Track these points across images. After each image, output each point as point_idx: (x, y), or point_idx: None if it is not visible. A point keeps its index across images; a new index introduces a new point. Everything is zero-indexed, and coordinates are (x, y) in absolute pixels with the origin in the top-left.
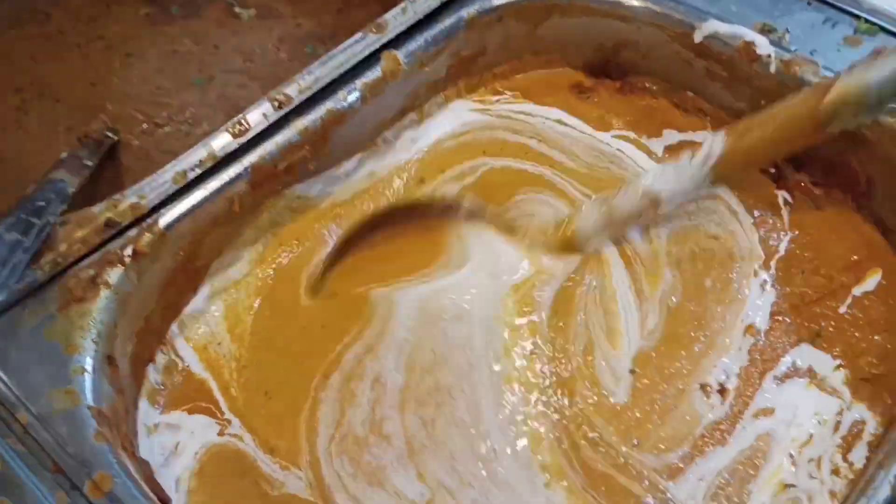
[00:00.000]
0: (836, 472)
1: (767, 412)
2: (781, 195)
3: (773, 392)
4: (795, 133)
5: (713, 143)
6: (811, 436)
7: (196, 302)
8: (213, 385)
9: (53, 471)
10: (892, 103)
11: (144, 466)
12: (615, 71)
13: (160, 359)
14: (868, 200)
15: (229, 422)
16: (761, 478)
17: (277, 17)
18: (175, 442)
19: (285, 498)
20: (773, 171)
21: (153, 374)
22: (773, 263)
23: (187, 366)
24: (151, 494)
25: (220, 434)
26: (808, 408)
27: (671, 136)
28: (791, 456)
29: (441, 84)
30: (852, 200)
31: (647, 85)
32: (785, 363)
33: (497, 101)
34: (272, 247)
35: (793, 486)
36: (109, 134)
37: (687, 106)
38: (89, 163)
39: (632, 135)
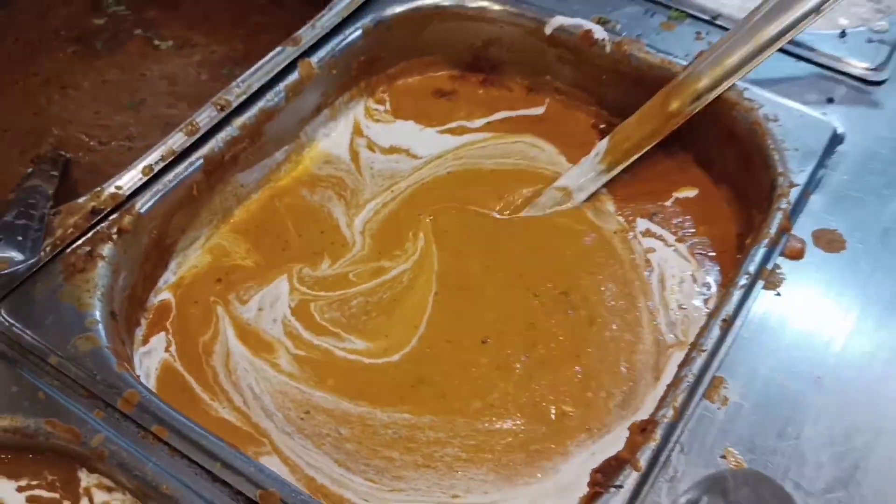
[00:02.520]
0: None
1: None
2: None
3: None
4: (653, 130)
5: (601, 145)
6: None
7: (167, 274)
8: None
9: (86, 396)
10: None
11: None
12: (487, 65)
13: (143, 323)
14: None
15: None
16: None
17: (193, 46)
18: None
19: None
20: None
21: (139, 333)
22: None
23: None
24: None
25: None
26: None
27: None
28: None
29: (347, 85)
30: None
31: (508, 75)
32: (640, 225)
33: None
34: (222, 228)
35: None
36: (62, 153)
37: (543, 89)
38: (54, 173)
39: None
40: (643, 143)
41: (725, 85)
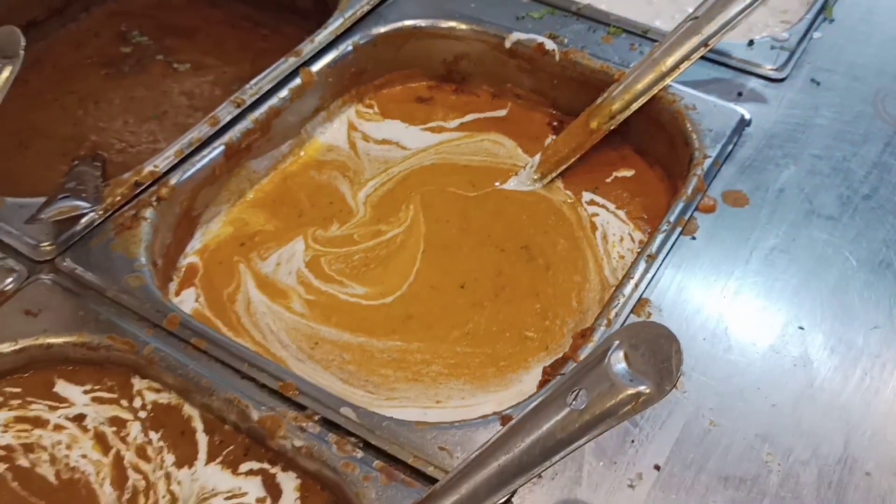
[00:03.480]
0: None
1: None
2: None
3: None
4: (578, 144)
5: (535, 159)
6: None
7: (194, 242)
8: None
9: (138, 319)
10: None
11: None
12: (458, 76)
13: (175, 279)
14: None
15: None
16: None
17: (208, 68)
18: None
19: None
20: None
21: (171, 287)
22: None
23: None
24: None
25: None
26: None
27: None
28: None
29: (340, 91)
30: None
31: (476, 84)
32: (586, 196)
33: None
34: (238, 205)
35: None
36: (100, 153)
37: (505, 94)
38: (97, 163)
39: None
40: (570, 156)
41: (635, 106)
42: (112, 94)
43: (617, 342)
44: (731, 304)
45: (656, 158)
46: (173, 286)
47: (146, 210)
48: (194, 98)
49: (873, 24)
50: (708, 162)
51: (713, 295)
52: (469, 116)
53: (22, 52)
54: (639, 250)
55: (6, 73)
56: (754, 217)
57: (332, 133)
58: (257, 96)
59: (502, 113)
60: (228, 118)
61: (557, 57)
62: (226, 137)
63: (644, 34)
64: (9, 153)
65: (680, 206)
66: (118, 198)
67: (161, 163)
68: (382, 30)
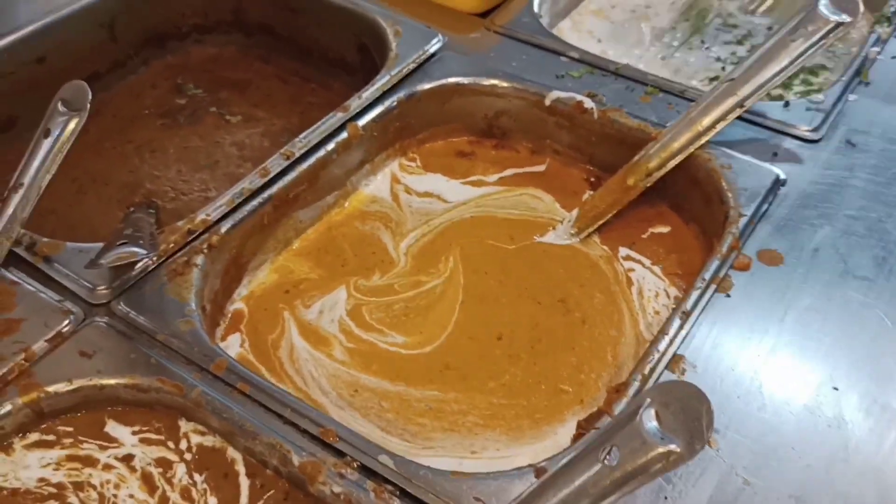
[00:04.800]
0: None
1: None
2: None
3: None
4: (615, 200)
5: (572, 214)
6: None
7: (241, 288)
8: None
9: (186, 363)
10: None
11: None
12: (498, 131)
13: (222, 324)
14: (666, 192)
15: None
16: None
17: (258, 120)
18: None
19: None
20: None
21: (218, 333)
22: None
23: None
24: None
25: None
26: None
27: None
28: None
29: (385, 145)
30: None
31: (516, 139)
32: (622, 251)
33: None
34: (284, 254)
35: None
36: (154, 200)
37: (544, 150)
38: (152, 210)
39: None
40: (607, 211)
41: (671, 164)
42: (167, 144)
43: (648, 400)
44: (765, 363)
45: (692, 216)
46: (220, 331)
47: (197, 257)
48: (244, 149)
49: None
50: (743, 221)
51: (747, 353)
52: (508, 171)
53: (88, 106)
54: (674, 306)
55: (72, 125)
56: (789, 276)
57: (376, 185)
58: (306, 149)
59: (541, 168)
60: (278, 170)
61: (596, 115)
62: (275, 188)
63: (681, 94)
64: (68, 199)
65: (715, 263)
66: (171, 244)
67: (213, 212)
68: (427, 86)
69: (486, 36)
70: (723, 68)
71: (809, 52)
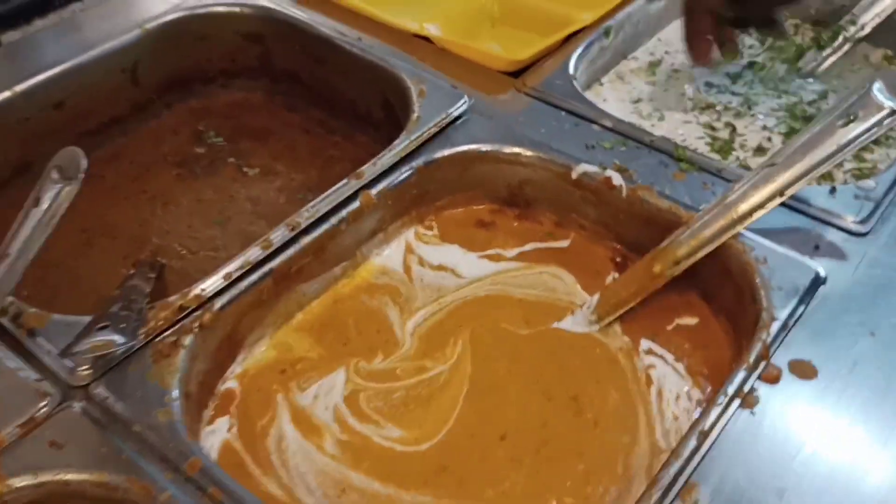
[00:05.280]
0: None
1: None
2: None
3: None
4: (639, 288)
5: (593, 299)
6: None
7: (235, 366)
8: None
9: (160, 460)
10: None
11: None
12: (521, 201)
13: (210, 405)
14: (697, 279)
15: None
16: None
17: (276, 174)
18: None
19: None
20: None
21: (206, 414)
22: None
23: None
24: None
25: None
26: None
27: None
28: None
29: (400, 213)
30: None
31: (540, 210)
32: (644, 344)
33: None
34: (284, 329)
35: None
36: (159, 259)
37: (569, 224)
38: (152, 275)
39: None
40: (629, 300)
41: (701, 253)
42: (181, 196)
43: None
44: (792, 496)
45: (722, 307)
46: (208, 412)
47: (186, 337)
48: (259, 204)
49: None
50: (775, 325)
51: (770, 484)
52: (529, 245)
53: (81, 176)
54: (695, 413)
55: (63, 195)
56: (822, 392)
57: (388, 255)
58: (313, 219)
59: (564, 244)
60: (281, 242)
61: (624, 193)
62: (276, 261)
63: (718, 173)
64: (75, 251)
65: (741, 375)
66: (161, 322)
67: (208, 286)
68: (447, 153)
69: (515, 98)
70: (769, 139)
71: (859, 140)
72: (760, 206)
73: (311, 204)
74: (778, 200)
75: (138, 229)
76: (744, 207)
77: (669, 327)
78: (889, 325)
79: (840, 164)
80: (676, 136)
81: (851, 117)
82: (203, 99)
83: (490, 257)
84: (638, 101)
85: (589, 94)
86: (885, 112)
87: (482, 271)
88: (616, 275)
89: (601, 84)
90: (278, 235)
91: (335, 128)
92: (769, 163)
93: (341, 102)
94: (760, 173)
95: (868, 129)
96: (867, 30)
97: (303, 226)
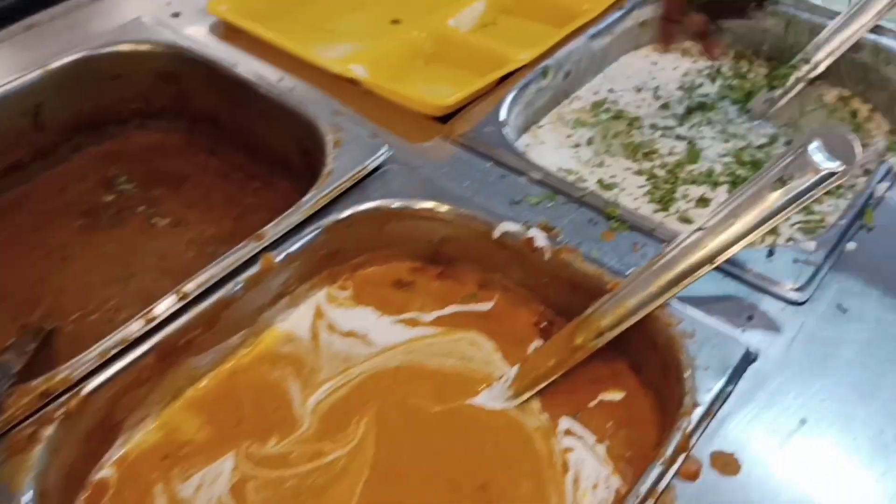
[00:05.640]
0: None
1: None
2: None
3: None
4: (559, 361)
5: (511, 371)
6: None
7: (112, 451)
8: None
9: None
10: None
11: None
12: (444, 258)
13: (81, 497)
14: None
15: None
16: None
17: (188, 224)
18: None
19: None
20: None
21: None
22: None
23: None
24: None
25: None
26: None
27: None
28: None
29: (309, 274)
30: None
31: (463, 270)
32: (563, 423)
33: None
34: (171, 407)
35: None
36: (44, 326)
37: (493, 284)
38: (30, 347)
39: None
40: (549, 374)
41: (626, 324)
42: (81, 251)
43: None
44: None
45: (651, 381)
46: None
47: (46, 429)
48: (166, 259)
49: None
50: (697, 412)
51: None
52: (449, 309)
53: None
54: (613, 498)
55: None
56: (745, 489)
57: (295, 320)
58: (205, 287)
59: (487, 307)
60: (167, 313)
61: (547, 255)
62: (161, 335)
63: (650, 232)
64: None
65: (656, 471)
66: (18, 411)
67: (79, 367)
68: (359, 209)
69: (441, 146)
70: (714, 186)
71: (794, 206)
72: (687, 274)
73: (205, 269)
74: (708, 268)
75: (31, 290)
76: (671, 276)
77: (593, 403)
78: (822, 410)
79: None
80: (616, 185)
81: (786, 179)
82: (116, 141)
83: (406, 322)
84: (578, 145)
85: (527, 137)
86: (821, 174)
87: (396, 338)
88: (540, 342)
89: (540, 126)
90: (164, 306)
91: (255, 173)
92: (700, 226)
93: (260, 147)
94: (690, 238)
95: (802, 194)
96: (820, 69)
97: (192, 295)
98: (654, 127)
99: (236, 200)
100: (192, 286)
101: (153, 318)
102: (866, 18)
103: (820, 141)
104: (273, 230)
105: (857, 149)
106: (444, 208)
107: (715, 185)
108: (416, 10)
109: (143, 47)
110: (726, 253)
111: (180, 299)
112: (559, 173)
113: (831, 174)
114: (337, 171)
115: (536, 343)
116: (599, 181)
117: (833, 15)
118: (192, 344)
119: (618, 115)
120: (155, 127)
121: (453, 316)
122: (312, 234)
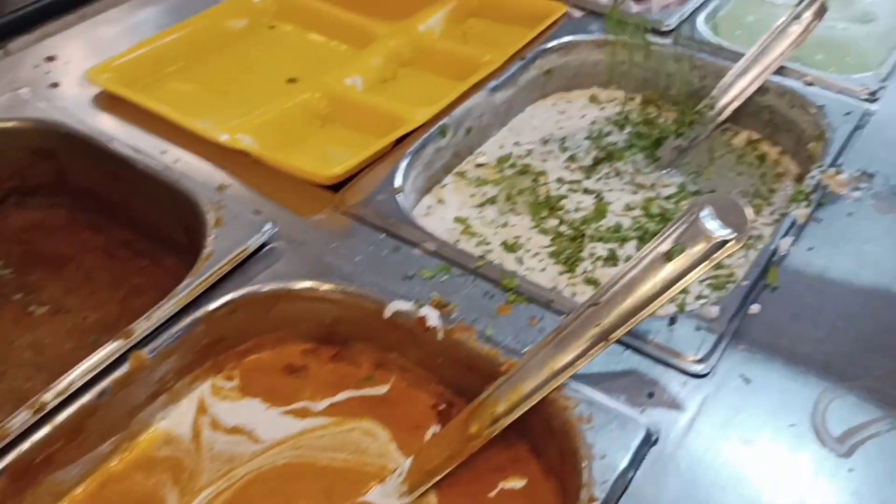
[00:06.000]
0: None
1: None
2: None
3: None
4: (453, 453)
5: (405, 464)
6: None
7: None
8: None
9: None
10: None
11: None
12: (338, 339)
13: None
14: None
15: None
16: None
17: (67, 312)
18: None
19: None
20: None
21: None
22: None
23: None
24: None
25: None
26: None
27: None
28: None
29: (190, 367)
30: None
31: (358, 350)
32: None
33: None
34: None
35: None
36: None
37: (389, 365)
38: None
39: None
40: (444, 465)
41: (521, 409)
42: None
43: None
44: None
45: (552, 467)
46: None
47: None
48: (42, 353)
49: (824, 295)
50: None
51: None
52: (342, 395)
53: None
54: None
55: None
56: None
57: (176, 417)
58: (64, 397)
59: (382, 390)
60: (21, 429)
61: (440, 335)
62: (13, 455)
63: (548, 305)
64: None
65: None
66: None
67: None
68: (236, 296)
69: (332, 218)
70: (622, 242)
71: (688, 277)
72: (582, 354)
73: (63, 377)
74: (602, 347)
75: None
76: (564, 358)
77: (493, 493)
78: (725, 497)
79: None
80: (521, 246)
81: (678, 249)
82: None
83: (295, 413)
84: (482, 204)
85: (429, 199)
86: (714, 243)
87: (284, 431)
88: (438, 427)
89: (443, 186)
90: (17, 421)
91: (142, 250)
92: (592, 301)
93: (144, 224)
94: (583, 314)
95: (695, 264)
96: (726, 114)
97: (50, 406)
98: (560, 181)
99: (122, 281)
100: (49, 395)
101: (5, 436)
102: (769, 60)
103: (711, 208)
104: (143, 325)
105: (749, 216)
106: (325, 287)
107: (623, 240)
108: (313, 68)
109: (11, 124)
110: (620, 330)
111: (36, 412)
112: (460, 237)
113: (724, 242)
114: (217, 253)
115: (434, 428)
116: (504, 243)
117: (738, 57)
118: (52, 459)
119: (523, 170)
120: (35, 204)
121: (347, 402)
122: (189, 325)
